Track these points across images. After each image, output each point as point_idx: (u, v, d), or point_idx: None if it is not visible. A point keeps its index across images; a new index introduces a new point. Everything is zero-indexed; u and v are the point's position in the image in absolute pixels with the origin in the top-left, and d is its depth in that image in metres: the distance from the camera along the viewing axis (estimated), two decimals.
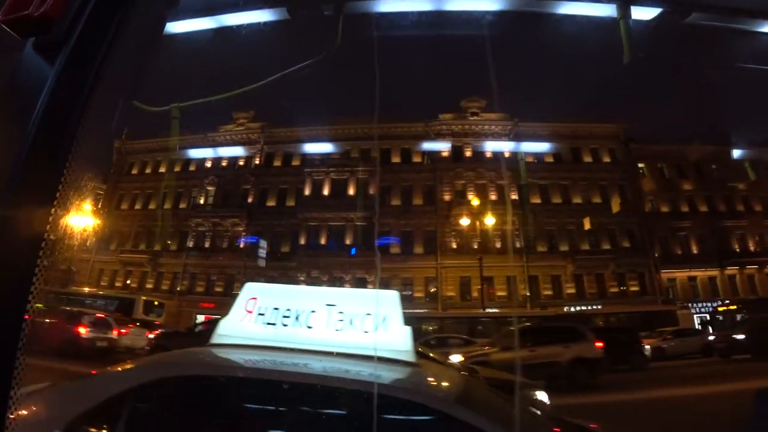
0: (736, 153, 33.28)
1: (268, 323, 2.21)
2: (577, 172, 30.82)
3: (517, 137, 31.44)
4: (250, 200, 30.93)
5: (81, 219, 25.45)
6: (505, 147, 31.18)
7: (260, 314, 2.25)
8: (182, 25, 2.29)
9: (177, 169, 33.07)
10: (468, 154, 30.98)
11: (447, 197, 29.62)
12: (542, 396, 4.66)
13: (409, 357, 2.09)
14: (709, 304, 27.16)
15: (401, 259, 28.64)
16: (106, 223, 30.94)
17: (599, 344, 10.50)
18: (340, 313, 2.17)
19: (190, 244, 30.52)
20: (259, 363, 2.06)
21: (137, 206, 32.62)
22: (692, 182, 32.20)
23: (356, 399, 1.68)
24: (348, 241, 28.39)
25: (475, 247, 28.48)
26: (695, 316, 27.33)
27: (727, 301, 25.04)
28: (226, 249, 30.13)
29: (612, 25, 2.34)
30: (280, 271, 29.04)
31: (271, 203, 30.92)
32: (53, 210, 0.85)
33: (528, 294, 27.59)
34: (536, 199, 30.02)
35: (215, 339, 2.25)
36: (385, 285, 28.35)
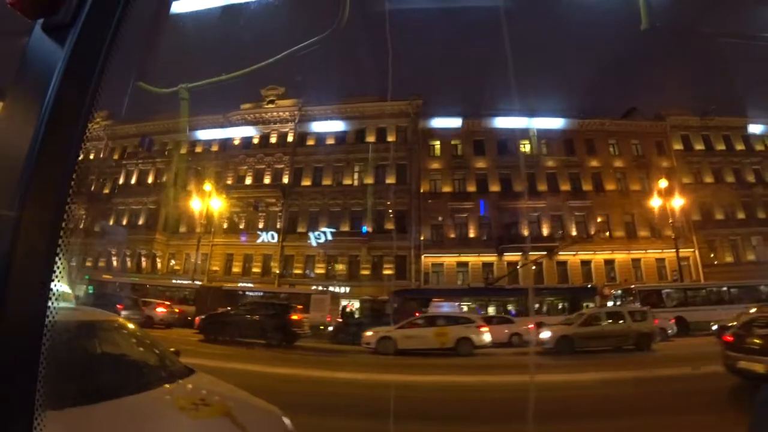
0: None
1: None
2: (355, 152, 30.50)
3: (306, 120, 32.10)
4: (92, 188, 36.59)
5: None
6: (291, 131, 32.07)
7: None
8: (188, 3, 2.25)
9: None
10: (255, 141, 32.61)
11: (229, 182, 31.82)
12: None
13: None
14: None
15: (186, 236, 31.92)
16: None
17: None
18: None
19: None
20: None
21: None
22: (489, 160, 29.71)
23: None
24: (141, 222, 32.47)
25: (241, 227, 30.55)
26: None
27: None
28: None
29: None
30: (101, 247, 34.34)
31: (105, 191, 36.19)
32: (68, 196, 0.85)
33: (277, 272, 28.80)
34: (307, 182, 30.63)
35: None
36: (170, 259, 32.05)
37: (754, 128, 29.72)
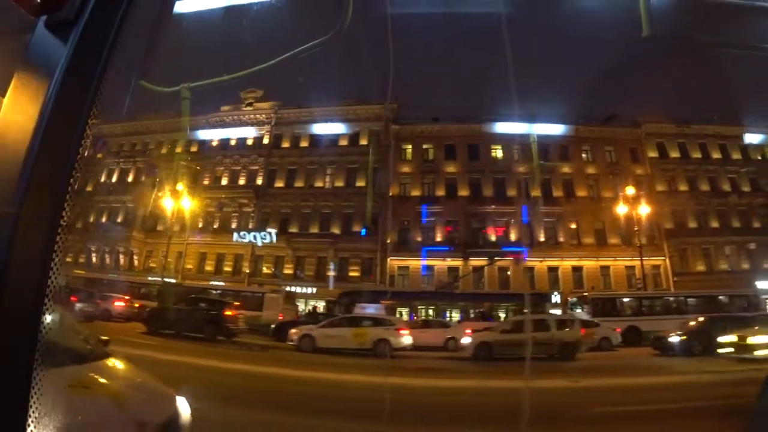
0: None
1: None
2: (327, 156, 30.78)
3: (282, 124, 32.51)
4: (76, 186, 37.48)
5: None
6: (267, 134, 32.51)
7: None
8: (191, 3, 2.26)
9: None
10: (233, 142, 33.14)
11: (206, 182, 32.38)
12: None
13: None
14: None
15: (163, 235, 32.51)
16: None
17: None
18: None
19: None
20: None
21: None
22: (459, 164, 29.71)
23: None
24: (120, 219, 33.19)
25: (216, 226, 31.06)
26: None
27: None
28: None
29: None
30: (81, 243, 35.14)
31: (88, 188, 37.04)
32: (68, 193, 0.87)
33: (247, 271, 29.18)
34: (281, 183, 31.01)
35: None
36: (147, 257, 32.65)
37: (750, 137, 28.95)
